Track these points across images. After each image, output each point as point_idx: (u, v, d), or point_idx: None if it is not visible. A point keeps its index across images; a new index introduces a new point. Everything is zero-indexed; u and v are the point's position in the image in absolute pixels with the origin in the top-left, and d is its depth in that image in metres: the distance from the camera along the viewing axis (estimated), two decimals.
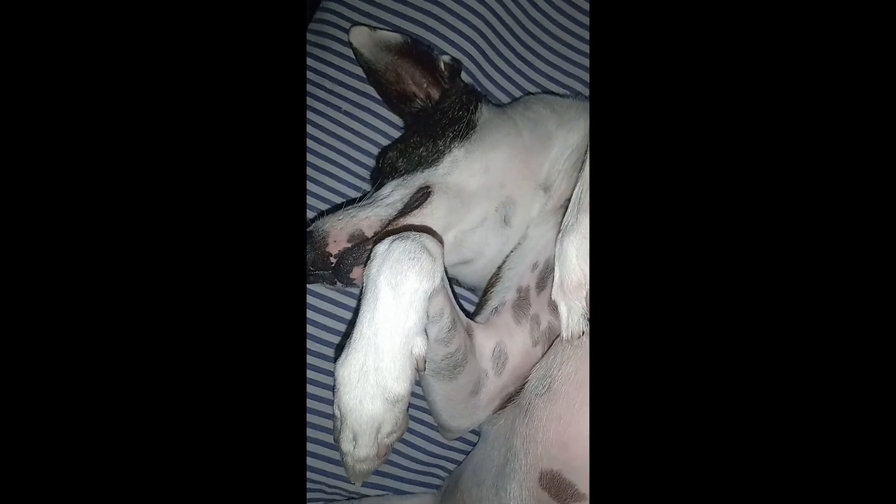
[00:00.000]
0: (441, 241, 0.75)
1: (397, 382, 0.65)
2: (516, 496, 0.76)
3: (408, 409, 0.69)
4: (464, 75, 0.99)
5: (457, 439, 1.05)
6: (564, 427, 0.71)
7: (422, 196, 0.83)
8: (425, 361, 0.66)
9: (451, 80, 0.96)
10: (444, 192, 0.83)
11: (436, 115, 0.92)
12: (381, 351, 0.65)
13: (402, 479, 1.04)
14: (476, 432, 0.94)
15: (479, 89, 1.02)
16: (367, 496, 1.02)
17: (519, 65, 1.05)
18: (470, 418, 0.86)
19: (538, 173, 0.88)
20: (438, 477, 1.05)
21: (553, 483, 0.72)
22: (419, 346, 0.66)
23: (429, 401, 0.86)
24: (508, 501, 0.77)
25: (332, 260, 0.78)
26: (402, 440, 1.03)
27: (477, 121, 0.90)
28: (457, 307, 0.78)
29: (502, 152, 0.87)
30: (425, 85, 0.97)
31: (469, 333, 0.82)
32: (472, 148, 0.87)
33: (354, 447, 0.66)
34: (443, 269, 0.71)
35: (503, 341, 0.84)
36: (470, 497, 0.86)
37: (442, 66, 0.95)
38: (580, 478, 0.70)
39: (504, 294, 0.86)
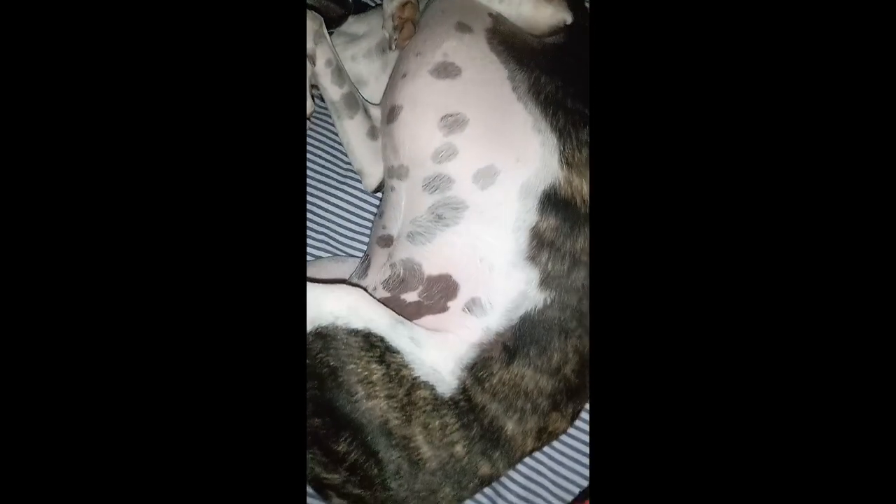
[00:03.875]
0: (323, 22, 1.34)
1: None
2: (387, 149, 1.24)
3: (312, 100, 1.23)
4: None
5: None
6: (398, 81, 1.20)
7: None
8: (315, 58, 1.24)
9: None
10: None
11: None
12: None
13: (338, 250, 1.51)
14: None
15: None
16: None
17: None
18: (375, 164, 1.37)
19: None
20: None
21: (391, 115, 1.20)
22: (310, 48, 1.23)
23: (344, 143, 1.38)
24: (388, 161, 1.25)
25: None
26: (343, 211, 1.52)
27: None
28: (343, 67, 1.35)
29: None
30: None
31: (365, 109, 1.37)
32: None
33: None
34: (323, 24, 1.30)
35: None
36: (380, 222, 1.31)
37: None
38: (408, 107, 1.18)
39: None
